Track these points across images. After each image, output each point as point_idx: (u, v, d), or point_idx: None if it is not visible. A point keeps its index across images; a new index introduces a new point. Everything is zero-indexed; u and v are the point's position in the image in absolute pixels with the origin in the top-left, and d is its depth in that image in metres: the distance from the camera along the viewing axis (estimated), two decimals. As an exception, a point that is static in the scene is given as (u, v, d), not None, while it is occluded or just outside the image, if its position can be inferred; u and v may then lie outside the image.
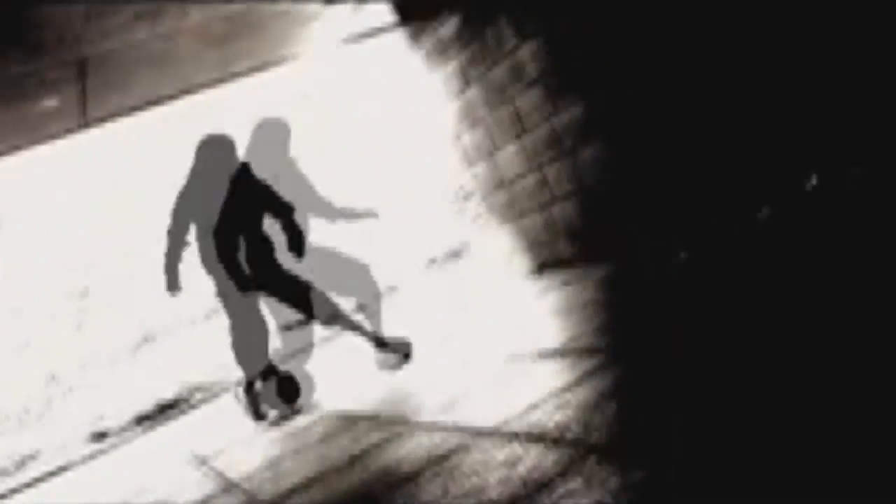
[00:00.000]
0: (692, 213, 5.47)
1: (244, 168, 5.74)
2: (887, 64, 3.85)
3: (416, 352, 5.64)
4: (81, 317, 12.68)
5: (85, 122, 7.84)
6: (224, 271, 6.01)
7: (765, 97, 4.70)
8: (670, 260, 4.96)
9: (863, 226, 3.55)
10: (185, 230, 6.03)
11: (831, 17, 4.12)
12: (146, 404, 18.45)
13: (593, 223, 6.75)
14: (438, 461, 2.65)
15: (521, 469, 2.24)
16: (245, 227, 5.64)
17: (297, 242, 5.55)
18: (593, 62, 5.99)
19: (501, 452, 2.49)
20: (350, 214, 6.00)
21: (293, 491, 3.16)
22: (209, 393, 18.95)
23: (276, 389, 5.76)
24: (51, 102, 6.92)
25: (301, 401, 5.80)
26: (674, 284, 4.20)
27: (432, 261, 27.57)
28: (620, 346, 3.41)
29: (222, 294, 6.08)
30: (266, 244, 5.70)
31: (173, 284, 6.05)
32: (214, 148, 6.24)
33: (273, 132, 6.12)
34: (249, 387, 6.02)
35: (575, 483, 1.97)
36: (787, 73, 4.51)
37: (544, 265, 7.56)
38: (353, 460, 3.25)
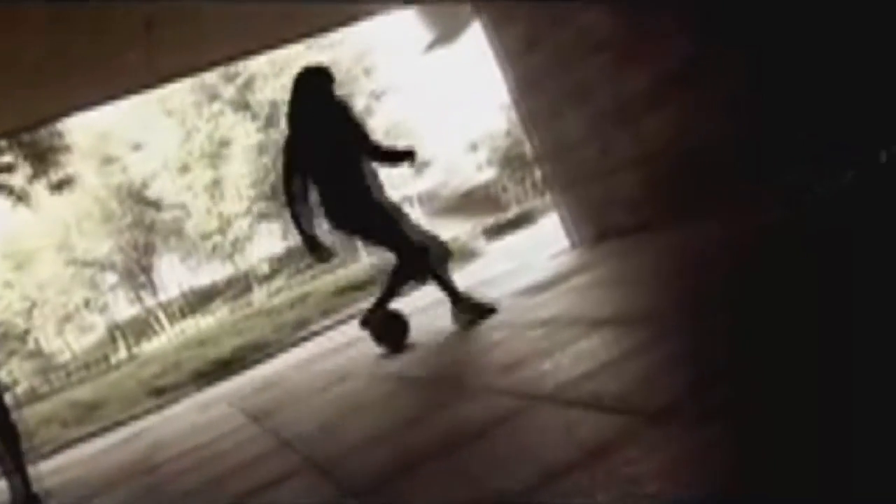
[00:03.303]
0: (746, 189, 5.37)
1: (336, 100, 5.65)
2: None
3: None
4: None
5: (153, 79, 7.92)
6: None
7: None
8: (735, 231, 4.88)
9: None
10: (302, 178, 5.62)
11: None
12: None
13: (655, 193, 6.66)
14: (496, 424, 2.64)
15: (579, 435, 2.22)
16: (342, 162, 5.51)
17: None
18: (665, 27, 5.87)
19: (559, 418, 2.47)
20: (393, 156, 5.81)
21: (347, 451, 3.18)
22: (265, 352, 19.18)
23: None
24: (119, 62, 6.99)
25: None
26: (734, 255, 4.12)
27: (489, 230, 27.46)
28: (677, 315, 3.36)
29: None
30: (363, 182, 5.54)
31: (314, 246, 5.67)
32: (315, 80, 5.73)
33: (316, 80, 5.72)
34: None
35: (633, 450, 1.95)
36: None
37: (605, 233, 7.49)
38: (410, 422, 3.25)
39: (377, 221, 5.48)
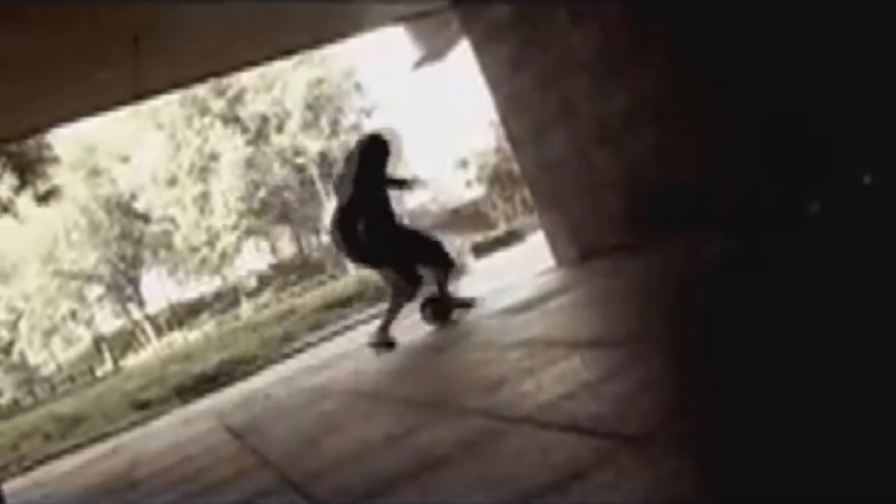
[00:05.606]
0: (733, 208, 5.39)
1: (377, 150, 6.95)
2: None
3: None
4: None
5: (140, 93, 7.91)
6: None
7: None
8: (709, 251, 4.89)
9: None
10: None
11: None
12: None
13: (638, 212, 6.68)
14: (473, 446, 2.64)
15: (555, 458, 2.21)
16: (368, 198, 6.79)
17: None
18: (646, 49, 5.90)
19: (536, 440, 2.46)
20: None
21: (324, 470, 3.17)
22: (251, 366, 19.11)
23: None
24: (106, 74, 6.98)
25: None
26: (712, 276, 4.13)
27: (477, 247, 27.50)
28: (657, 336, 3.36)
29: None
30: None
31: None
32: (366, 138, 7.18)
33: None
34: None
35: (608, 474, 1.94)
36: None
37: (589, 252, 7.49)
38: (387, 442, 3.24)
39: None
